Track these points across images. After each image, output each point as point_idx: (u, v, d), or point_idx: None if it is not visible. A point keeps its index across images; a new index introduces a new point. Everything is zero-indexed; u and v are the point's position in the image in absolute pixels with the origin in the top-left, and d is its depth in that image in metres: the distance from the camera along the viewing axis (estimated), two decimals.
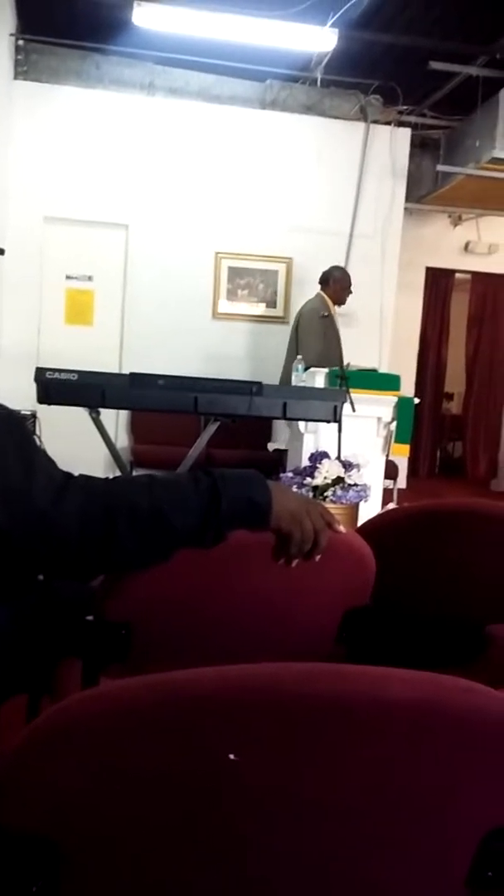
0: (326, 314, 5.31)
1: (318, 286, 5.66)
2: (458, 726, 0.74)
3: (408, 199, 6.87)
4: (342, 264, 6.00)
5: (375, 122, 6.58)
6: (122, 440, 6.25)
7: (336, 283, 5.59)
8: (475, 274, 8.18)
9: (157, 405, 3.68)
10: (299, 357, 5.14)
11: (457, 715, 0.74)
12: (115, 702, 0.74)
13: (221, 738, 0.72)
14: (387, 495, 5.15)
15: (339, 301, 5.62)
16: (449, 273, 8.19)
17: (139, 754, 0.73)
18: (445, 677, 0.75)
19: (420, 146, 7.09)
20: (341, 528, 1.23)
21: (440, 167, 6.91)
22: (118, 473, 4.15)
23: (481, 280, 8.21)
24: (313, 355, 5.09)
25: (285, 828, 0.76)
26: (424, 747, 0.75)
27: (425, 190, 7.23)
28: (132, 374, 3.59)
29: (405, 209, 6.83)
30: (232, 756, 0.71)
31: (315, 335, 5.31)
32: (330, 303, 5.54)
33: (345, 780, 0.74)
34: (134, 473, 5.30)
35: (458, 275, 8.26)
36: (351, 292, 5.66)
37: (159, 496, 1.11)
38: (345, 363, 4.56)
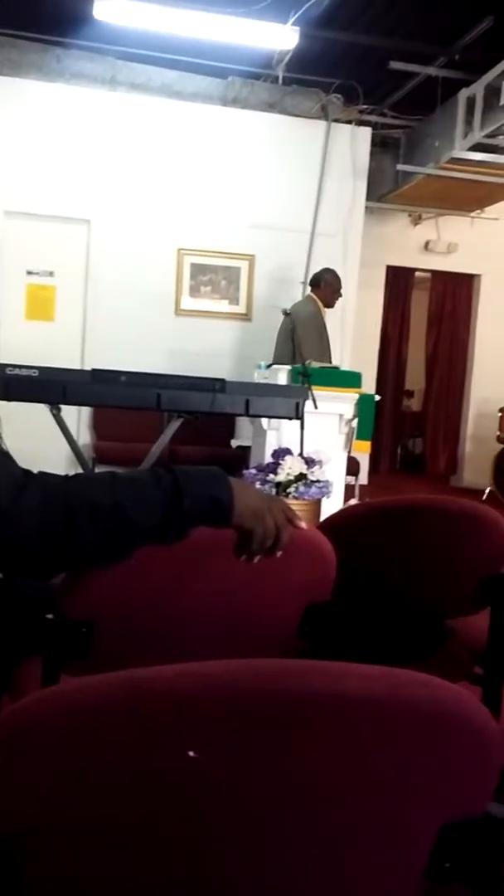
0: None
1: (309, 288, 5.75)
2: (414, 720, 0.76)
3: (368, 197, 6.91)
4: (304, 262, 6.02)
5: (336, 120, 6.61)
6: (83, 437, 6.20)
7: (327, 286, 5.66)
8: (435, 272, 8.27)
9: (120, 401, 3.65)
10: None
11: (414, 709, 0.75)
12: (75, 700, 0.73)
13: (183, 735, 0.72)
14: (348, 491, 5.19)
15: (329, 304, 5.70)
16: (409, 271, 8.27)
17: (100, 752, 0.73)
18: (403, 671, 0.76)
19: (381, 145, 7.14)
20: (303, 525, 1.23)
21: (400, 166, 6.97)
22: (80, 471, 4.11)
23: (441, 279, 8.30)
24: (314, 356, 5.12)
25: (249, 822, 0.76)
26: (382, 741, 0.76)
27: (386, 189, 7.29)
28: (94, 371, 3.56)
29: (366, 208, 6.87)
30: (191, 753, 0.71)
31: (313, 337, 5.34)
32: (320, 304, 5.61)
33: (305, 774, 0.75)
34: (96, 470, 5.26)
35: (418, 273, 8.35)
36: (341, 295, 5.73)
37: (121, 493, 1.11)
38: (306, 361, 4.59)
